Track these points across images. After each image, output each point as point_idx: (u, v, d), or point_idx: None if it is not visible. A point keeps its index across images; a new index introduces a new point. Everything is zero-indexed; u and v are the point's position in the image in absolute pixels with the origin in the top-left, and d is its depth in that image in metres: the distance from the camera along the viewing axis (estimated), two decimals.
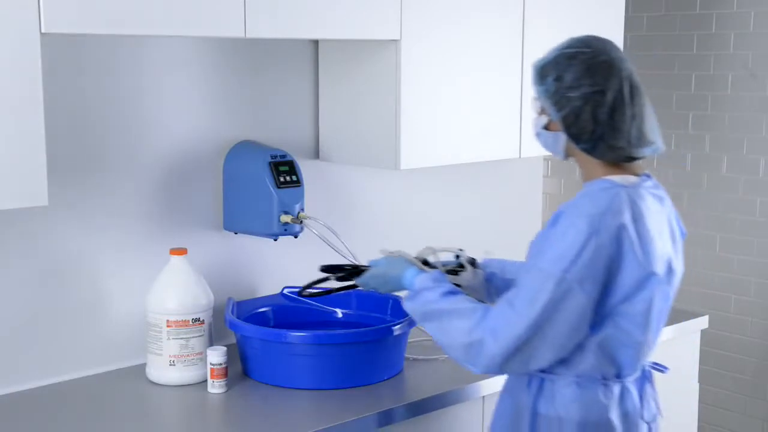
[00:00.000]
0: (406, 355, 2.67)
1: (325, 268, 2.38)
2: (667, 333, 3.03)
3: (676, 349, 3.11)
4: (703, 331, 3.28)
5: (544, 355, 1.97)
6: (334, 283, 2.41)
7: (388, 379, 2.53)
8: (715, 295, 3.88)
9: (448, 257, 2.39)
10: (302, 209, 2.65)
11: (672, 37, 3.90)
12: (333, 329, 2.68)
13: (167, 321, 2.45)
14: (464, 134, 2.92)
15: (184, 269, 2.49)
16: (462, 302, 2.06)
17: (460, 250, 2.40)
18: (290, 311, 2.79)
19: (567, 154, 2.09)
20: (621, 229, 1.92)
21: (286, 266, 2.95)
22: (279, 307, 2.79)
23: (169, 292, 2.47)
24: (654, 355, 3.01)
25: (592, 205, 1.94)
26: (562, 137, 2.04)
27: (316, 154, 2.98)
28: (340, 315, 2.84)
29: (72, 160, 2.49)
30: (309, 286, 2.46)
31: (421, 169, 3.25)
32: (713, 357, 3.89)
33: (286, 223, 2.61)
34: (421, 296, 2.13)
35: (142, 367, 2.60)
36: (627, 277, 1.94)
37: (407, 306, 2.15)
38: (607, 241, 1.91)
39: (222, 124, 2.76)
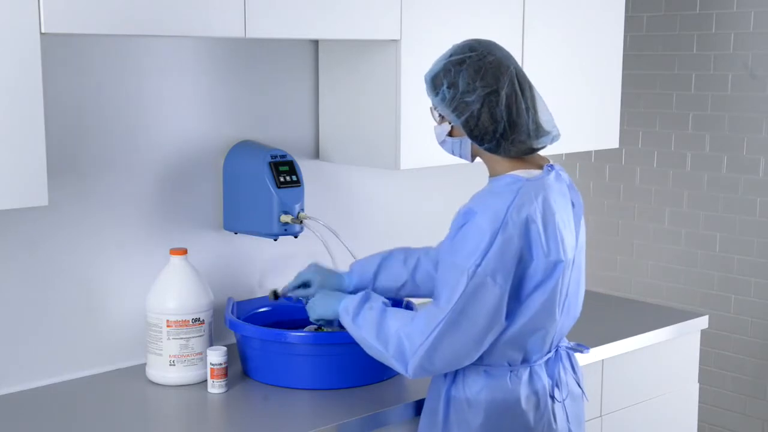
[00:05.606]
0: None
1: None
2: (667, 333, 3.03)
3: (676, 349, 3.10)
4: (703, 331, 3.28)
5: (467, 349, 2.04)
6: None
7: (388, 379, 2.53)
8: (715, 295, 3.88)
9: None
10: (302, 209, 2.64)
11: (672, 37, 3.90)
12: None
13: (167, 321, 2.45)
14: None
15: (184, 269, 2.49)
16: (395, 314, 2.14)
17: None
18: (290, 311, 2.79)
19: (473, 157, 2.18)
20: (527, 221, 2.01)
21: (286, 266, 2.94)
22: (279, 307, 2.78)
23: (169, 292, 2.47)
24: (654, 355, 3.03)
25: (499, 200, 2.04)
26: (467, 141, 2.13)
27: (316, 154, 2.98)
28: None
29: (72, 160, 2.49)
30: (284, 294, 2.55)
31: (421, 169, 3.25)
32: (713, 357, 3.89)
33: (286, 223, 2.61)
34: (360, 317, 2.18)
35: (142, 367, 2.60)
36: (537, 267, 2.03)
37: (349, 328, 2.21)
38: (515, 233, 2.00)
39: (222, 124, 2.76)
